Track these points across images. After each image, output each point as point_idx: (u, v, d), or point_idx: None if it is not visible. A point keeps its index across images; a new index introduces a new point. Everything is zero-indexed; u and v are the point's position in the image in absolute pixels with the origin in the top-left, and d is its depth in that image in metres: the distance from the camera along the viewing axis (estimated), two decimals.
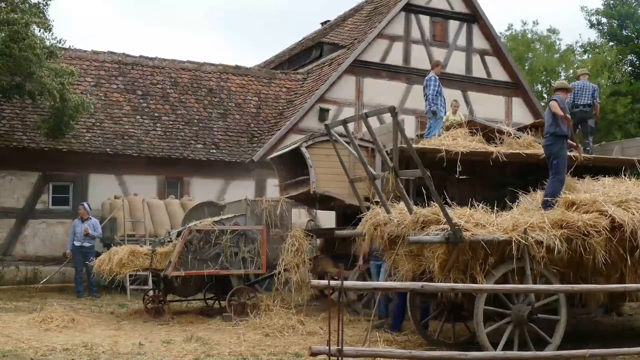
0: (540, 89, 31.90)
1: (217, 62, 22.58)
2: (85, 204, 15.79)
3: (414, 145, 9.45)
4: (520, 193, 9.98)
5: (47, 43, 15.81)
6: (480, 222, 8.39)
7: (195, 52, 64.42)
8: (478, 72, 23.05)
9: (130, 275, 13.22)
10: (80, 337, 9.69)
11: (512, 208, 9.26)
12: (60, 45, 16.79)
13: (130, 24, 60.68)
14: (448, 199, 9.13)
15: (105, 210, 17.27)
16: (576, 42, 37.10)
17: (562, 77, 31.62)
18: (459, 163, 10.46)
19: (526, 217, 8.56)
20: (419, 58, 22.08)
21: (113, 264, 11.62)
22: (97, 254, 15.69)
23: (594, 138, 13.86)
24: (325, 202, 12.87)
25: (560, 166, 9.69)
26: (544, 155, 10.20)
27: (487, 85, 23.06)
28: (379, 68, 21.69)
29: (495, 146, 11.32)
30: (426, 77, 13.30)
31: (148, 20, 61.93)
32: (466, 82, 22.63)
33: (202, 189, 19.14)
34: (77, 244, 15.20)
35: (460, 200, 9.37)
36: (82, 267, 15.04)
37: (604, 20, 32.62)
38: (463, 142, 11.10)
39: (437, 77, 13.25)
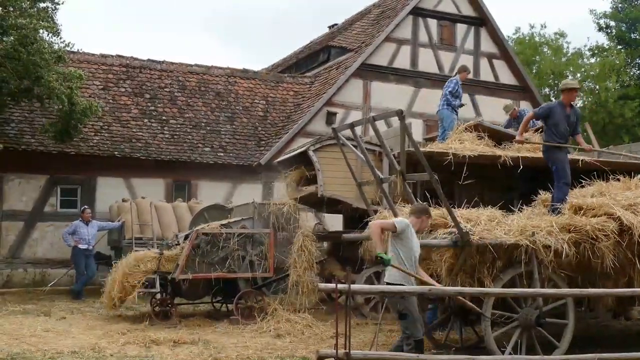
0: (548, 92, 31.79)
1: (225, 65, 22.66)
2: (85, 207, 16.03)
3: (421, 149, 9.44)
4: (528, 197, 9.94)
5: (56, 47, 15.86)
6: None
7: (202, 55, 64.67)
8: (486, 75, 23.02)
9: None
10: (87, 339, 9.71)
11: (520, 212, 9.22)
12: (68, 49, 16.85)
13: (138, 27, 60.90)
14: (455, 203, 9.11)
15: (113, 213, 17.30)
16: (584, 46, 37.03)
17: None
18: (465, 167, 10.42)
19: (534, 220, 8.53)
20: (427, 61, 22.10)
21: (116, 290, 11.52)
22: (99, 256, 15.82)
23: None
24: (332, 205, 12.87)
25: (560, 171, 9.58)
26: None
27: (495, 89, 23.04)
28: (387, 71, 21.71)
29: (504, 148, 11.28)
30: (454, 80, 13.56)
31: (156, 24, 62.15)
32: (474, 86, 22.57)
33: (210, 192, 19.15)
34: (82, 247, 15.24)
35: (468, 204, 9.34)
36: (84, 269, 15.13)
37: (612, 23, 32.51)
38: (470, 146, 11.06)
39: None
